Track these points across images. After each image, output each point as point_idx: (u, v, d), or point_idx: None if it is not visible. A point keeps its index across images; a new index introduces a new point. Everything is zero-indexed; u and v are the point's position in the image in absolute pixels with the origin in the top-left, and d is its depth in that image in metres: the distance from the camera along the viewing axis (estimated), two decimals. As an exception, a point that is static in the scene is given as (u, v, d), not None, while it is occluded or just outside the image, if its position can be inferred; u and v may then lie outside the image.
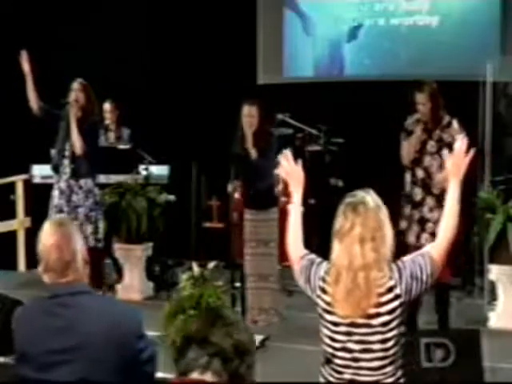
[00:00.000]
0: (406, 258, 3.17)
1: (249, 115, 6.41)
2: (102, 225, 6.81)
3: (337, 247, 3.13)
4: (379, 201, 3.18)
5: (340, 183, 8.10)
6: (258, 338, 6.01)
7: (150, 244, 7.69)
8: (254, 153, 6.42)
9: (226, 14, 9.03)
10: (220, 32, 8.98)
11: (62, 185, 6.70)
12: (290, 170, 3.52)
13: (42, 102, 6.71)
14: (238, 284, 6.22)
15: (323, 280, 3.18)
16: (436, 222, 5.93)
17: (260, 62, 9.38)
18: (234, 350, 2.15)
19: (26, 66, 6.72)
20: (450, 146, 5.97)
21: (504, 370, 5.21)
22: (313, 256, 3.31)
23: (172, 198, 7.87)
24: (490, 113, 6.83)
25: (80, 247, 2.88)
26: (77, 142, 6.58)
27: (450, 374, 4.45)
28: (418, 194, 6.02)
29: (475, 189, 6.63)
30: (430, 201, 6.00)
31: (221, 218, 8.57)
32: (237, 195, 7.12)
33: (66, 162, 6.69)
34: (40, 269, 2.88)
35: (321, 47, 9.28)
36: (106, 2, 9.40)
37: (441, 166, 6.00)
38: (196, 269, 5.94)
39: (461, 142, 3.26)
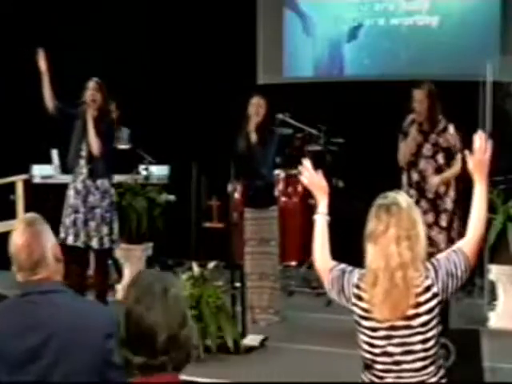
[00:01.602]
0: (440, 256, 3.18)
1: (257, 104, 6.60)
2: (116, 225, 6.75)
3: (371, 250, 3.11)
4: (410, 201, 3.19)
5: (340, 183, 8.09)
6: (258, 338, 6.01)
7: (150, 244, 7.69)
8: (253, 137, 6.53)
9: (226, 14, 9.04)
10: (220, 32, 8.98)
11: (79, 185, 6.61)
12: (312, 179, 3.50)
13: (57, 100, 6.61)
14: (238, 284, 6.22)
15: (357, 287, 3.16)
16: (430, 226, 5.95)
17: (260, 62, 9.38)
18: (169, 341, 2.21)
19: (42, 65, 6.58)
20: (445, 151, 6.02)
21: (504, 370, 5.21)
22: (343, 265, 3.28)
23: (172, 197, 7.87)
24: (490, 113, 6.82)
25: (51, 245, 2.88)
26: (94, 142, 6.49)
27: (449, 374, 4.44)
28: (412, 196, 6.03)
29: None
30: (423, 204, 6.02)
31: (221, 217, 8.57)
32: (237, 195, 7.13)
33: (83, 162, 6.59)
34: (14, 268, 2.90)
35: (321, 47, 9.28)
36: (106, 2, 9.40)
37: (436, 171, 6.04)
38: (196, 269, 5.94)
39: (480, 140, 3.21)
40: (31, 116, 7.59)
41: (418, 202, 6.02)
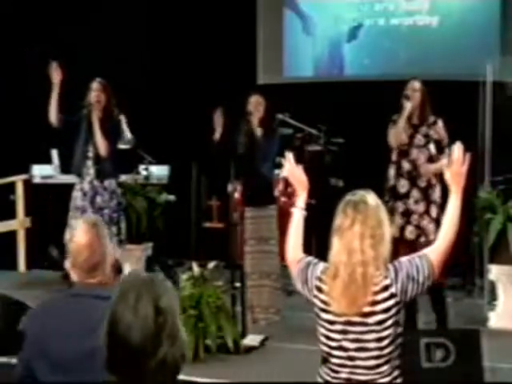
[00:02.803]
0: (403, 259, 3.19)
1: (256, 102, 6.63)
2: (124, 225, 6.74)
3: (336, 244, 3.15)
4: (379, 201, 3.22)
5: (340, 183, 8.10)
6: (258, 338, 6.01)
7: (150, 244, 7.69)
8: (259, 131, 6.56)
9: (226, 14, 9.04)
10: (220, 32, 8.98)
11: (86, 186, 6.60)
12: (293, 172, 3.53)
13: (61, 113, 6.57)
14: (238, 284, 6.22)
15: (320, 279, 3.20)
16: (421, 215, 5.96)
17: (260, 62, 9.38)
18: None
19: (56, 77, 6.51)
20: (436, 143, 6.03)
21: (504, 370, 5.20)
22: (310, 258, 3.33)
23: (172, 198, 7.87)
24: (490, 113, 6.83)
25: (110, 250, 2.87)
26: (101, 143, 6.48)
27: (450, 374, 4.45)
28: (403, 186, 6.03)
29: (475, 189, 6.63)
30: (415, 193, 6.02)
31: (221, 217, 8.58)
32: (237, 195, 7.13)
33: (90, 163, 6.58)
34: (68, 264, 2.88)
35: (321, 47, 9.28)
36: (106, 2, 9.40)
37: (428, 160, 6.03)
38: (196, 269, 5.94)
39: (458, 150, 3.24)
40: (31, 116, 7.59)
41: (409, 192, 6.03)
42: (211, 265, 6.05)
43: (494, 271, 6.48)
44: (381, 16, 9.01)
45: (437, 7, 8.81)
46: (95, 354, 2.65)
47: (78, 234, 2.87)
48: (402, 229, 5.95)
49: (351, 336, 3.11)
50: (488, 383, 4.67)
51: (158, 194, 7.67)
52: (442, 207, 5.98)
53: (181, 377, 2.17)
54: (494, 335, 5.86)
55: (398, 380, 3.16)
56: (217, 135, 6.59)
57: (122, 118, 6.98)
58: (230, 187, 6.97)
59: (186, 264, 7.68)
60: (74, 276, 2.85)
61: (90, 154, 6.58)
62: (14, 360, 5.19)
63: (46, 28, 9.20)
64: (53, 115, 6.54)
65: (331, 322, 3.15)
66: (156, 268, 7.96)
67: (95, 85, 6.59)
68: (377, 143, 8.10)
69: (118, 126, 6.92)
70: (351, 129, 8.38)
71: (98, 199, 6.59)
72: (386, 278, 3.10)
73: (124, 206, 6.96)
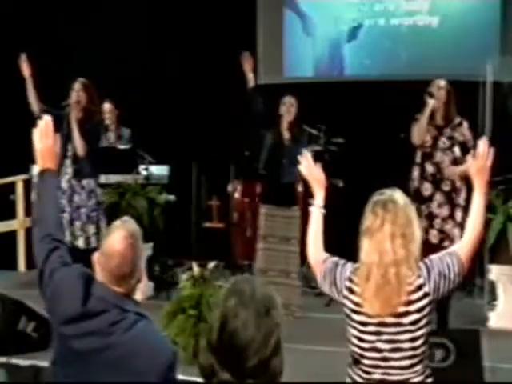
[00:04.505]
0: (434, 257, 3.18)
1: (289, 103, 6.75)
2: (104, 225, 6.76)
3: (366, 245, 3.12)
4: (407, 199, 3.19)
5: (340, 183, 8.10)
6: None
7: (150, 244, 7.69)
8: (286, 135, 6.67)
9: (226, 14, 9.04)
10: (220, 32, 8.98)
11: (64, 185, 6.66)
12: (310, 170, 3.51)
13: (42, 103, 6.63)
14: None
15: (350, 280, 3.17)
16: (444, 219, 5.95)
17: (260, 63, 9.37)
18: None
19: (25, 70, 6.63)
20: (461, 145, 6.00)
21: (504, 370, 5.20)
22: (336, 258, 3.30)
23: (172, 197, 7.87)
24: (490, 113, 6.83)
25: (140, 264, 2.82)
26: (78, 143, 6.52)
27: (450, 374, 4.45)
28: (427, 189, 6.03)
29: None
30: (439, 197, 6.01)
31: (221, 217, 8.58)
32: (237, 195, 7.13)
33: (68, 162, 6.63)
34: (96, 259, 2.81)
35: (321, 47, 9.29)
36: (106, 2, 9.40)
37: (453, 162, 6.01)
38: (196, 269, 5.94)
39: (483, 145, 3.24)
40: (31, 116, 7.56)
41: (433, 195, 6.02)
42: (211, 265, 6.05)
43: (494, 271, 6.49)
44: (381, 16, 9.01)
45: (437, 7, 8.82)
46: (96, 355, 2.67)
47: (114, 237, 2.80)
48: (426, 232, 5.94)
49: (385, 337, 3.09)
50: (488, 383, 4.67)
51: (158, 194, 7.66)
52: (467, 211, 5.99)
53: (181, 377, 2.17)
54: (493, 335, 5.86)
55: (430, 379, 3.16)
56: (251, 82, 6.68)
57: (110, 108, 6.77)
58: (229, 187, 6.97)
59: (186, 264, 7.68)
60: (100, 276, 2.79)
61: (69, 153, 6.62)
62: (13, 360, 5.22)
63: (46, 28, 9.20)
64: (34, 105, 6.60)
65: (364, 324, 3.12)
66: (156, 268, 7.97)
67: (76, 85, 6.62)
68: (377, 143, 8.11)
69: (100, 126, 6.95)
70: (351, 129, 8.38)
71: (76, 198, 6.63)
72: (419, 277, 3.09)
73: (104, 205, 6.97)
